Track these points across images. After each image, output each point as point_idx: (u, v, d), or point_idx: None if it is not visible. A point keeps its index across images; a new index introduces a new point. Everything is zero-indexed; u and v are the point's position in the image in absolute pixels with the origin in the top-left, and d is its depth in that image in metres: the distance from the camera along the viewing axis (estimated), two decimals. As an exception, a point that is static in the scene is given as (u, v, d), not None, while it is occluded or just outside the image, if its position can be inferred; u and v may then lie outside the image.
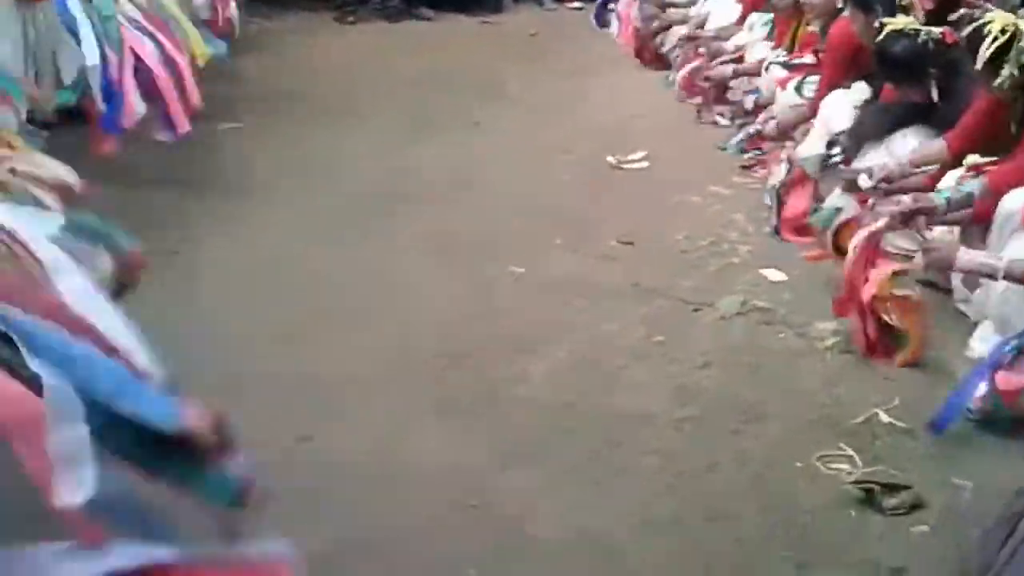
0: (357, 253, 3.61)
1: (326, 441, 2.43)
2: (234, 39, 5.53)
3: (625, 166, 4.59)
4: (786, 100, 4.29)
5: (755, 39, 5.12)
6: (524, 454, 2.43)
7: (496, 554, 2.07)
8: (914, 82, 3.44)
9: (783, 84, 4.32)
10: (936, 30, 3.37)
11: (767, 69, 4.62)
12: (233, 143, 4.83)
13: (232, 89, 5.71)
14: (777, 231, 3.82)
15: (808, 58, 4.38)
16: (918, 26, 3.40)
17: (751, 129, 4.57)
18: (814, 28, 4.35)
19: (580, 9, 8.14)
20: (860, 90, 3.82)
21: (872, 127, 3.61)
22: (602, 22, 7.40)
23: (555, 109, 5.49)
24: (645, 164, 4.61)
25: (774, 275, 3.48)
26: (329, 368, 2.78)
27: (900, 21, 3.44)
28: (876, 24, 3.51)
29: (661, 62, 6.17)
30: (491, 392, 2.71)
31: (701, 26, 5.74)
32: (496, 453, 2.42)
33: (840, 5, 4.07)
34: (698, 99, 5.30)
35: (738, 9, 5.51)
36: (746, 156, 4.58)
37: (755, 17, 5.28)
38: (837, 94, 3.90)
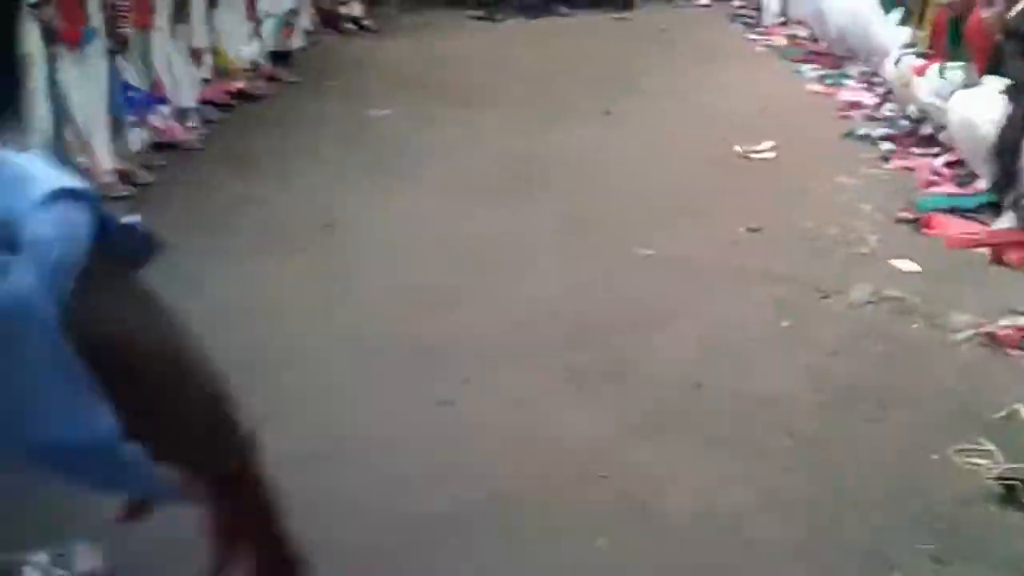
0: (492, 229, 3.54)
1: (466, 405, 2.35)
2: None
3: (752, 156, 4.36)
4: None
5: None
6: (653, 429, 2.29)
7: (625, 525, 1.95)
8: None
9: (920, 71, 4.01)
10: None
11: (897, 62, 4.32)
12: (383, 128, 4.84)
13: (382, 78, 5.76)
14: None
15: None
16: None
17: None
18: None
19: (708, 7, 7.86)
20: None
21: None
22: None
23: (684, 100, 5.28)
24: (772, 154, 4.37)
25: (906, 265, 3.23)
26: (467, 336, 2.71)
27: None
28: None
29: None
30: (619, 366, 2.58)
31: None
32: (625, 426, 2.30)
33: None
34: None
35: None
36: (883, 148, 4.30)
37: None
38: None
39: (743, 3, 7.59)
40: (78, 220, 0.55)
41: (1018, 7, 3.47)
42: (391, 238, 3.51)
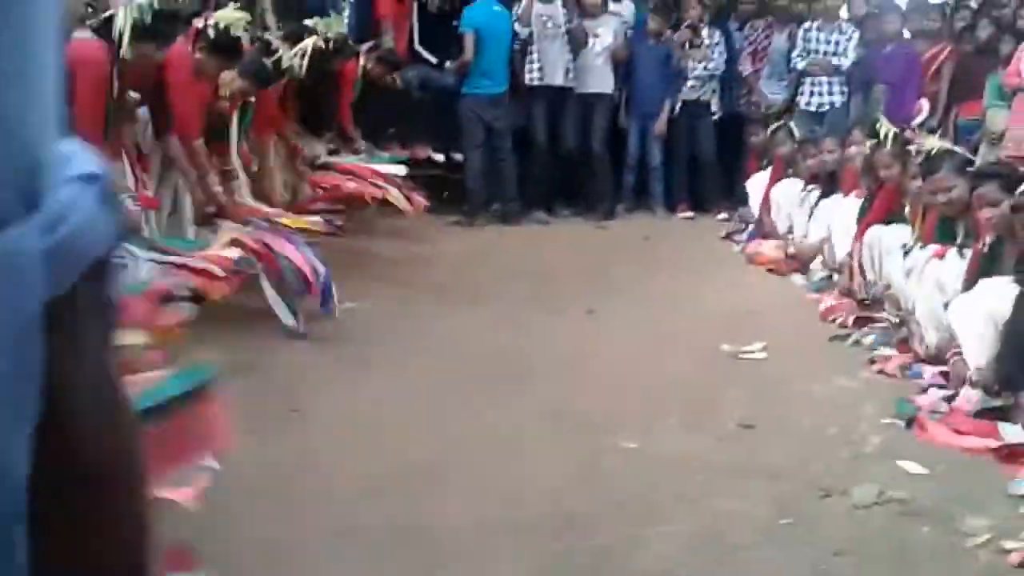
0: (474, 420, 3.48)
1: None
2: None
3: (742, 355, 4.34)
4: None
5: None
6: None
7: None
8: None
9: (941, 255, 4.08)
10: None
11: (907, 254, 4.40)
12: (360, 318, 4.85)
13: (362, 274, 5.81)
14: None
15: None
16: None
17: None
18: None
19: (692, 218, 8.14)
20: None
21: None
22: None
23: (668, 302, 5.36)
24: (763, 355, 4.36)
25: (912, 467, 3.13)
26: (442, 524, 2.60)
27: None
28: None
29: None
30: (605, 560, 2.44)
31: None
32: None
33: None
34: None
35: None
36: (874, 351, 4.31)
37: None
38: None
39: (726, 216, 7.85)
40: (107, 215, 0.49)
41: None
42: (365, 425, 3.44)
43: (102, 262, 0.52)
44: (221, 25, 4.64)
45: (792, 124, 7.09)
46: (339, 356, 4.22)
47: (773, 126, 7.20)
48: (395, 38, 7.63)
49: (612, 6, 8.18)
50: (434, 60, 7.92)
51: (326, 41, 6.00)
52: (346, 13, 7.65)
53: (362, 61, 6.77)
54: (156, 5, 4.09)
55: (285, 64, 5.56)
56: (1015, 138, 6.27)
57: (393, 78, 7.15)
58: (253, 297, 5.23)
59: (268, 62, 5.33)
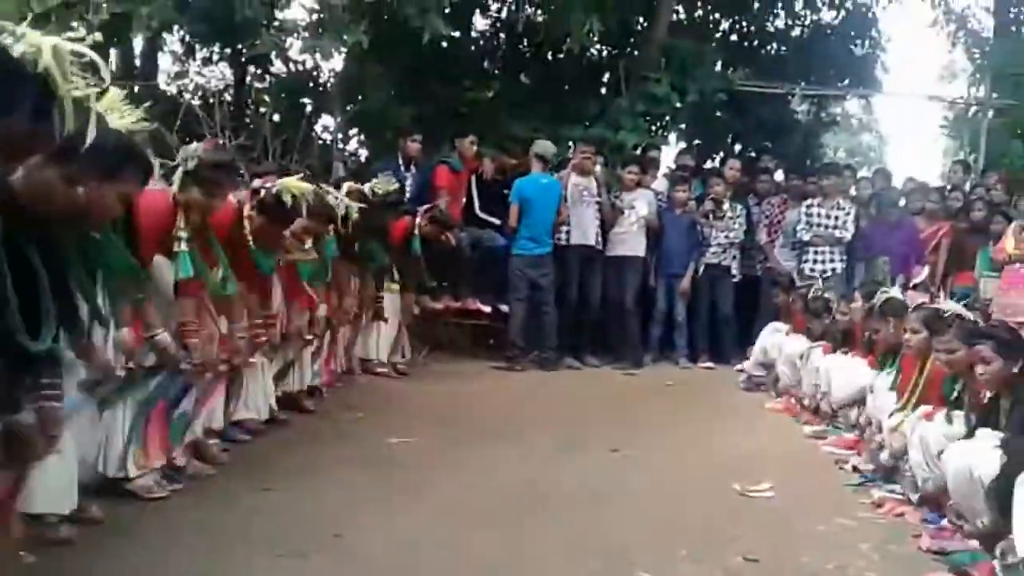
0: (504, 546, 3.53)
1: None
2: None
3: (751, 494, 4.37)
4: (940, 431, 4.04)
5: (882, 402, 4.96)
6: None
7: None
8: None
9: (929, 416, 4.11)
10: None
11: (895, 429, 4.43)
12: (402, 451, 4.96)
13: (409, 413, 5.95)
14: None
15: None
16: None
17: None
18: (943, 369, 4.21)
19: (712, 368, 8.22)
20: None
21: None
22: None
23: (687, 442, 5.42)
24: (771, 494, 4.38)
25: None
26: None
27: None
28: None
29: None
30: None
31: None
32: None
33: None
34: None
35: (857, 372, 5.45)
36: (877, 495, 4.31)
37: (878, 383, 5.16)
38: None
39: (742, 368, 7.94)
40: None
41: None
42: (399, 549, 3.49)
43: None
44: (275, 191, 4.43)
45: (827, 294, 7.04)
46: (383, 484, 4.29)
47: (812, 294, 7.21)
48: (450, 204, 8.06)
49: (646, 180, 8.58)
50: (497, 222, 8.32)
51: (373, 193, 6.33)
52: (408, 183, 8.11)
53: (418, 220, 7.15)
54: (205, 156, 3.86)
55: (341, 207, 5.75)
56: (1004, 304, 6.42)
57: (447, 237, 7.50)
58: (318, 422, 5.42)
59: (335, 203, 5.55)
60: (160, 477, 3.91)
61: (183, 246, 3.80)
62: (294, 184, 4.57)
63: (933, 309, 4.67)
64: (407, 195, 7.81)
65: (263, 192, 4.44)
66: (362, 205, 6.11)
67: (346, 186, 6.24)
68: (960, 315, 4.41)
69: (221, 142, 6.21)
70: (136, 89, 7.90)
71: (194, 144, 4.09)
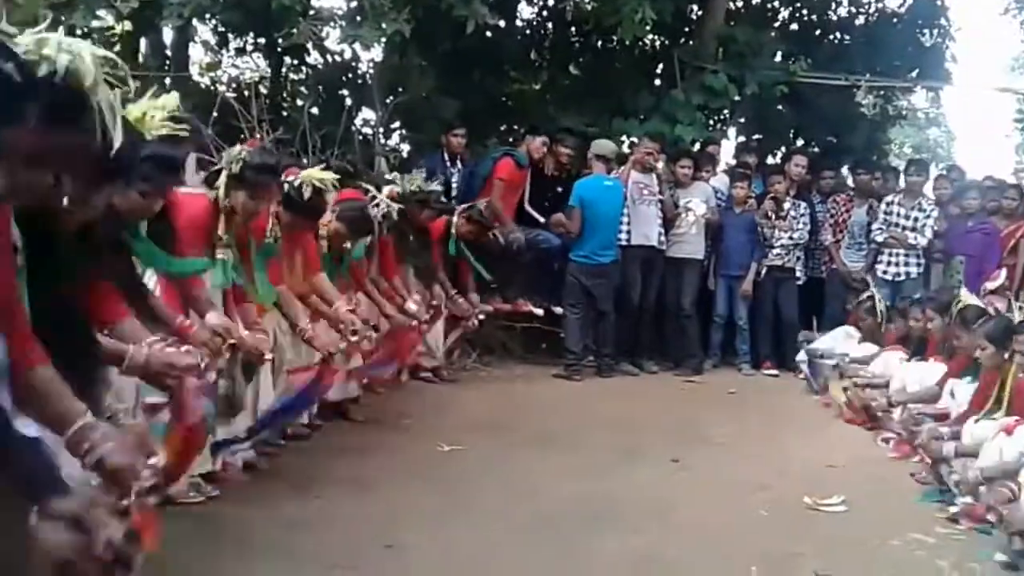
0: (560, 562, 3.53)
1: None
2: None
3: (822, 508, 4.31)
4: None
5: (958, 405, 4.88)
6: None
7: None
8: None
9: (1010, 431, 4.02)
10: None
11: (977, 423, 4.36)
12: (454, 459, 4.99)
13: (459, 419, 5.96)
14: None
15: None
16: None
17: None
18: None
19: (776, 376, 8.13)
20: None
21: None
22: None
23: (753, 453, 5.37)
24: (843, 508, 4.32)
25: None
26: None
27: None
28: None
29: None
30: None
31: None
32: None
33: None
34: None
35: (932, 372, 5.35)
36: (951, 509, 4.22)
37: (956, 384, 5.07)
38: None
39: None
40: None
41: None
42: (453, 561, 3.51)
43: None
44: (297, 183, 4.44)
45: (876, 296, 7.17)
46: (437, 494, 4.32)
47: (861, 298, 7.27)
48: (505, 198, 7.94)
49: (704, 175, 8.49)
50: (541, 219, 8.19)
51: (412, 194, 6.32)
52: (454, 179, 8.09)
53: (455, 219, 7.12)
54: (250, 158, 3.93)
55: (383, 209, 5.80)
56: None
57: (494, 235, 7.43)
58: (365, 430, 5.46)
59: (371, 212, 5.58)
60: (202, 483, 3.98)
61: (225, 253, 3.90)
62: (316, 174, 4.55)
63: (997, 321, 4.60)
64: (453, 192, 7.81)
65: (285, 186, 4.41)
66: (401, 206, 6.13)
67: (387, 189, 6.21)
68: None
69: (267, 144, 6.21)
70: (168, 81, 8.03)
71: (238, 146, 4.14)
